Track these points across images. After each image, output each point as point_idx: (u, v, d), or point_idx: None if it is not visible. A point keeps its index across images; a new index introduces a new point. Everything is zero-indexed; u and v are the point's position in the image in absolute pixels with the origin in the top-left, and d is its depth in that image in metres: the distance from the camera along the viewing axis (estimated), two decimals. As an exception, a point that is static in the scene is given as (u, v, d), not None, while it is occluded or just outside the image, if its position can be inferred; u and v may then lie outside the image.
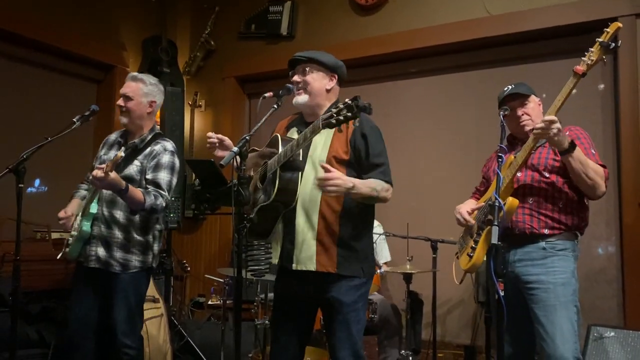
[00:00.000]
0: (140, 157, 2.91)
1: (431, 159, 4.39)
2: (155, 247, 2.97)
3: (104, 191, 2.84)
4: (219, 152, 2.48)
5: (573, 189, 2.46)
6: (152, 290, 3.96)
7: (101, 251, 2.84)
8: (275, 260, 2.40)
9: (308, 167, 2.32)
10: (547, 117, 2.24)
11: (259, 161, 2.46)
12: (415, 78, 4.52)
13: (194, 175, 4.42)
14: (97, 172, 2.56)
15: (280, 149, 2.22)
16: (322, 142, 2.32)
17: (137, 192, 2.75)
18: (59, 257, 2.94)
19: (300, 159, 2.31)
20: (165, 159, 2.91)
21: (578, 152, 2.31)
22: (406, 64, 4.51)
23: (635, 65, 3.53)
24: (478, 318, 3.87)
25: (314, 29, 4.77)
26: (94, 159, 3.10)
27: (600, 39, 2.22)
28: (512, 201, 2.36)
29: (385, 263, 4.03)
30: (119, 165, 2.83)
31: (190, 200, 4.79)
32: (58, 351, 3.44)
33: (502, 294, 2.10)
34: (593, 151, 2.46)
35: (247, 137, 2.18)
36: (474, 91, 4.23)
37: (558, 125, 2.23)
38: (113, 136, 3.08)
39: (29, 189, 4.44)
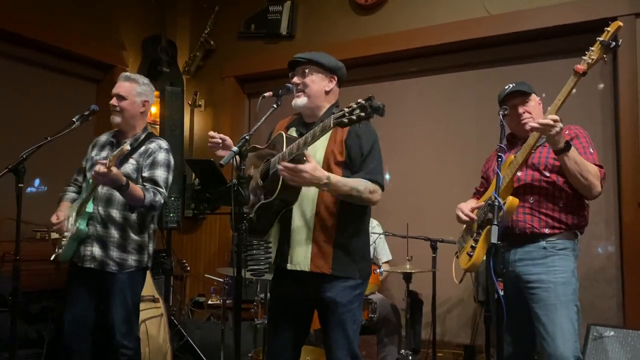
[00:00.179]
0: (135, 155, 2.93)
1: (431, 158, 4.39)
2: (151, 247, 2.99)
3: (100, 190, 2.85)
4: (221, 152, 2.48)
5: (573, 189, 2.46)
6: (151, 290, 3.96)
7: (97, 251, 2.84)
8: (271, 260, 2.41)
9: None
10: (552, 116, 2.23)
11: (256, 161, 2.46)
12: (414, 78, 4.52)
13: (193, 175, 4.43)
14: (100, 168, 2.57)
15: (285, 148, 2.22)
16: (320, 142, 2.32)
17: (137, 188, 2.77)
18: (52, 258, 2.93)
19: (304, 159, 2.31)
20: (161, 156, 2.94)
21: (573, 152, 2.31)
22: (406, 64, 4.51)
23: (635, 65, 3.53)
24: (478, 317, 3.87)
25: (314, 28, 4.77)
26: (84, 161, 3.08)
27: (600, 38, 2.22)
28: (512, 200, 2.36)
29: (387, 262, 4.03)
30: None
31: (190, 200, 4.79)
32: (53, 351, 3.43)
33: (501, 293, 2.11)
34: (591, 150, 2.46)
35: (246, 137, 2.18)
36: (474, 91, 4.23)
37: (560, 125, 2.23)
38: (103, 137, 3.08)
39: (29, 188, 4.44)
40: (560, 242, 2.46)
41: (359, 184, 2.25)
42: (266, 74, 4.96)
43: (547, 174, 2.47)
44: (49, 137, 2.86)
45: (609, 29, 2.22)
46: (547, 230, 2.45)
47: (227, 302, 3.75)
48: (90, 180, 2.86)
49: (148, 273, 4.01)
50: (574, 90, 2.29)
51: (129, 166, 2.89)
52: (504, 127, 2.47)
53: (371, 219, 3.95)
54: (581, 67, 2.23)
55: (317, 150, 2.32)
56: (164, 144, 3.01)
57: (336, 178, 2.20)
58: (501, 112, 2.54)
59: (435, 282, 3.56)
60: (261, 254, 2.30)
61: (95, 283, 2.87)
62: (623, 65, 3.57)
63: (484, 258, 2.44)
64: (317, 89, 2.40)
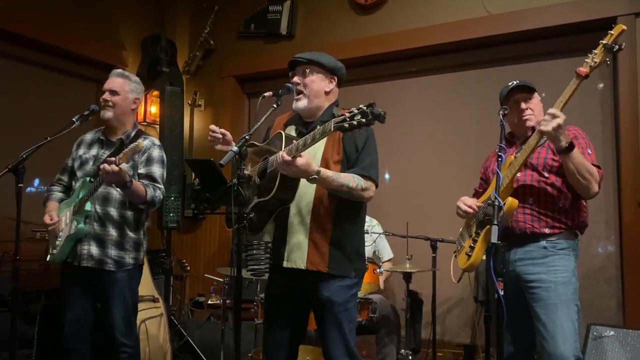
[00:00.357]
0: None
1: (430, 158, 4.39)
2: (145, 244, 3.01)
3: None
4: (220, 147, 2.50)
5: (572, 189, 2.46)
6: (151, 290, 3.96)
7: (94, 249, 2.83)
8: None
9: None
10: (551, 110, 2.23)
11: (254, 158, 2.46)
12: (414, 77, 4.52)
13: (193, 174, 4.43)
14: (111, 167, 2.58)
15: (284, 147, 2.22)
16: (319, 142, 2.32)
17: (139, 185, 2.80)
18: (48, 259, 2.92)
19: None
20: (156, 153, 2.97)
21: (576, 153, 2.30)
22: (406, 64, 4.51)
23: (635, 65, 3.53)
24: (477, 317, 3.87)
25: (314, 28, 4.77)
26: (68, 160, 3.05)
27: (604, 41, 2.19)
28: (511, 201, 2.36)
29: (389, 260, 4.02)
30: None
31: (189, 200, 4.79)
32: (44, 351, 3.44)
33: (501, 293, 2.11)
34: (589, 151, 2.46)
35: (246, 137, 2.18)
36: (474, 90, 4.23)
37: (559, 120, 2.21)
38: (89, 135, 3.06)
39: (29, 188, 4.44)
40: (560, 242, 2.46)
41: (350, 181, 2.26)
42: (266, 74, 4.96)
43: (546, 174, 2.47)
44: (49, 137, 2.87)
45: (612, 32, 2.19)
46: (547, 230, 2.45)
47: (227, 302, 3.75)
48: (88, 179, 2.85)
49: (147, 272, 4.04)
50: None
51: (124, 164, 2.90)
52: (503, 127, 2.47)
53: (371, 218, 4.01)
54: (584, 69, 2.21)
55: (317, 150, 2.33)
56: (156, 140, 3.05)
57: (327, 173, 2.21)
58: (501, 112, 2.53)
59: (435, 281, 3.56)
60: (261, 253, 2.30)
61: (92, 282, 2.87)
62: (623, 65, 3.57)
63: (483, 258, 2.44)
64: (317, 89, 2.41)
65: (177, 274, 4.85)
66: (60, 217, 2.90)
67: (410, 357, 3.46)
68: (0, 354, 3.06)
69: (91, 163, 2.94)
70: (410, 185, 4.44)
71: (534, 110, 2.58)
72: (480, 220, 2.53)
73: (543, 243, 2.46)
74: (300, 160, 2.11)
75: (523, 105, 2.58)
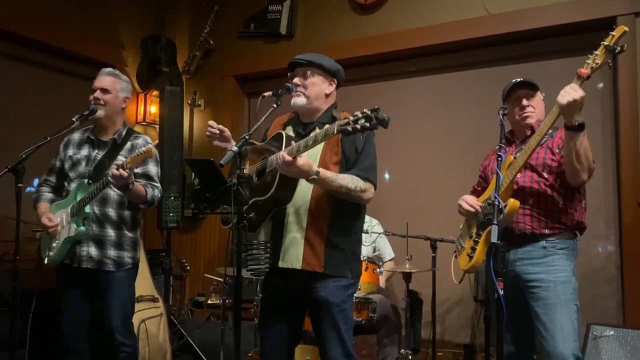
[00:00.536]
0: (123, 152, 2.94)
1: (430, 157, 4.39)
2: (141, 242, 3.03)
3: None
4: (217, 143, 2.50)
5: (571, 189, 2.46)
6: (151, 290, 3.97)
7: (93, 250, 2.84)
8: None
9: None
10: (571, 85, 2.17)
11: (252, 157, 2.47)
12: (414, 77, 4.52)
13: (193, 174, 4.43)
14: (120, 172, 2.58)
15: (284, 147, 2.22)
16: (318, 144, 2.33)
17: (139, 186, 2.81)
18: (46, 262, 2.90)
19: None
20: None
21: (583, 135, 2.26)
22: (405, 63, 4.51)
23: (635, 64, 3.53)
24: (477, 317, 3.87)
25: (313, 28, 4.77)
26: (56, 161, 3.02)
27: (605, 42, 2.15)
28: (513, 203, 2.35)
29: (391, 260, 4.02)
30: (104, 163, 2.85)
31: (189, 200, 4.79)
32: (37, 352, 3.43)
33: (501, 293, 2.10)
34: None
35: (246, 137, 2.18)
36: (473, 90, 4.23)
37: (576, 95, 2.14)
38: (77, 135, 3.02)
39: (28, 188, 4.43)
40: (560, 242, 2.46)
41: (349, 182, 2.26)
42: (266, 74, 4.96)
43: (546, 175, 2.46)
44: (49, 137, 2.87)
45: (614, 33, 2.15)
46: (547, 231, 2.45)
47: (227, 301, 3.75)
48: (86, 181, 2.85)
49: (147, 272, 4.04)
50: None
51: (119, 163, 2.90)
52: (503, 126, 2.47)
53: (371, 218, 4.01)
54: (585, 71, 2.18)
55: (316, 151, 2.33)
56: (148, 139, 3.06)
57: (326, 174, 2.21)
58: (501, 111, 2.53)
59: (435, 281, 3.56)
60: (261, 253, 2.30)
61: (91, 283, 2.87)
62: (623, 65, 3.57)
63: (484, 259, 2.44)
64: (317, 91, 2.42)
65: (177, 273, 4.86)
66: (55, 220, 2.89)
67: (410, 357, 3.46)
68: (0, 354, 3.06)
69: (84, 164, 2.92)
70: (409, 185, 4.44)
71: (535, 109, 2.58)
72: (481, 221, 2.52)
73: (542, 243, 2.46)
74: (300, 161, 2.12)
75: (524, 102, 2.57)
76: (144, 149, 2.64)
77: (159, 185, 2.97)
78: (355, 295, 3.24)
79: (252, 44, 5.07)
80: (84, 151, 2.96)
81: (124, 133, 2.99)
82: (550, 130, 2.43)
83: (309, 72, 2.42)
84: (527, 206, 2.46)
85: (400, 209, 4.34)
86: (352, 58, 4.42)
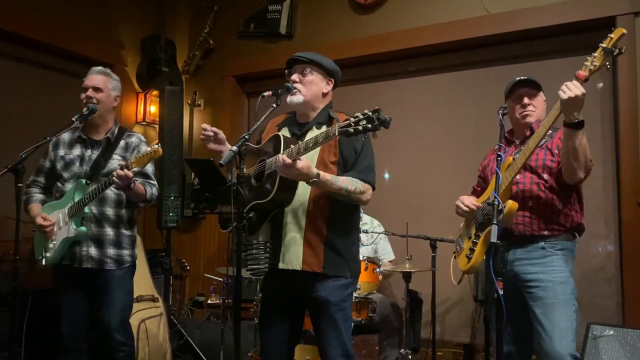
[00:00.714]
0: (118, 151, 2.96)
1: (430, 157, 4.39)
2: (139, 241, 3.05)
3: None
4: (212, 145, 2.51)
5: (570, 190, 2.46)
6: (151, 290, 3.97)
7: (93, 250, 2.85)
8: None
9: None
10: (573, 82, 2.16)
11: (249, 159, 2.46)
12: (414, 77, 4.52)
13: (192, 174, 4.43)
14: (126, 172, 2.61)
15: (282, 150, 2.22)
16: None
17: (139, 185, 2.83)
18: (44, 263, 2.89)
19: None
20: (145, 149, 2.95)
21: (583, 133, 2.25)
22: (405, 63, 4.51)
23: (634, 64, 3.53)
24: (477, 316, 3.87)
25: (313, 28, 4.77)
26: (46, 161, 3.00)
27: (603, 45, 2.13)
28: (511, 204, 2.35)
29: (390, 261, 4.02)
30: (100, 162, 2.86)
31: (189, 200, 4.79)
32: (32, 351, 3.43)
33: (501, 292, 2.10)
34: None
35: (246, 137, 2.18)
36: (473, 90, 4.23)
37: (578, 92, 2.12)
38: (67, 135, 2.99)
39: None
40: (559, 243, 2.46)
41: (349, 184, 2.27)
42: (265, 74, 4.96)
43: (545, 176, 2.46)
44: (48, 136, 2.87)
45: (612, 35, 2.13)
46: (546, 232, 2.46)
47: (227, 301, 3.75)
48: (84, 181, 2.85)
49: (147, 272, 4.05)
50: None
51: (116, 162, 2.91)
52: (503, 126, 2.47)
53: (372, 219, 4.02)
54: (583, 73, 2.16)
55: (316, 152, 2.32)
56: (142, 137, 3.08)
57: (326, 177, 2.22)
58: (500, 111, 2.53)
59: (435, 281, 3.57)
60: (261, 253, 2.30)
61: (91, 283, 2.88)
62: (622, 65, 3.57)
63: (483, 260, 2.44)
64: (316, 89, 2.42)
65: (177, 273, 4.86)
66: (51, 219, 2.88)
67: (410, 357, 3.46)
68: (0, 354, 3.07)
69: (78, 163, 2.92)
70: (409, 184, 4.44)
71: (536, 109, 2.57)
72: (480, 222, 2.52)
73: (541, 244, 2.46)
74: (300, 163, 2.12)
75: (526, 100, 2.57)
76: (149, 149, 2.66)
77: (155, 183, 3.00)
78: (355, 295, 3.25)
79: (251, 43, 5.07)
80: (77, 151, 2.95)
81: (116, 131, 3.00)
82: (550, 131, 2.43)
83: (307, 70, 2.41)
84: (526, 208, 2.46)
85: (400, 209, 4.34)
86: (352, 58, 4.42)
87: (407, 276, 3.48)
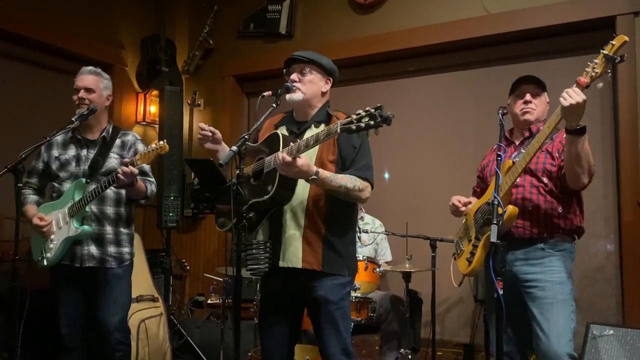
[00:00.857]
0: (114, 149, 2.97)
1: (430, 157, 4.39)
2: (138, 239, 3.06)
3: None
4: (209, 145, 2.52)
5: (570, 194, 2.46)
6: (151, 290, 3.97)
7: (94, 249, 2.85)
8: None
9: None
10: (573, 88, 2.14)
11: (247, 158, 2.46)
12: (413, 77, 4.52)
13: (192, 174, 4.43)
14: (131, 169, 2.63)
15: (282, 148, 2.22)
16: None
17: (140, 182, 2.85)
18: (45, 264, 2.87)
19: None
20: (141, 147, 2.99)
21: (585, 139, 2.25)
22: (405, 63, 4.51)
23: (634, 64, 3.52)
24: (477, 316, 3.87)
25: (313, 27, 4.77)
26: (39, 163, 2.99)
27: (605, 51, 2.09)
28: (512, 210, 2.34)
29: (387, 263, 4.03)
30: (98, 161, 2.87)
31: (189, 200, 4.79)
32: (28, 351, 3.43)
33: (501, 292, 2.10)
34: None
35: (245, 136, 2.18)
36: (473, 90, 4.23)
37: (579, 99, 2.12)
38: (60, 136, 2.96)
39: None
40: (558, 244, 2.46)
41: (348, 182, 2.27)
42: (265, 73, 4.96)
43: (545, 180, 2.46)
44: (48, 136, 2.87)
45: (614, 42, 2.09)
46: (545, 235, 2.46)
47: (227, 301, 3.75)
48: (84, 180, 2.85)
49: (147, 272, 4.05)
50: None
51: (113, 161, 2.93)
52: (503, 126, 2.47)
53: (374, 219, 4.03)
54: (584, 79, 2.14)
55: (314, 150, 2.32)
56: (137, 135, 3.10)
57: (325, 174, 2.22)
58: (500, 111, 2.53)
59: (435, 281, 3.57)
60: (261, 253, 2.30)
61: (91, 282, 2.89)
62: (622, 65, 3.51)
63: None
64: (315, 89, 2.42)
65: (177, 273, 4.86)
66: (47, 219, 2.88)
67: (409, 356, 3.46)
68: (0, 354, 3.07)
69: (74, 163, 2.92)
70: (409, 184, 4.44)
71: (537, 107, 2.57)
72: (480, 225, 2.52)
73: (541, 245, 2.46)
74: (300, 161, 2.12)
75: (528, 97, 2.56)
76: (154, 145, 2.67)
77: (153, 180, 3.04)
78: (355, 294, 3.26)
79: (251, 43, 5.07)
80: (71, 151, 2.95)
81: (111, 130, 3.01)
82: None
83: (307, 69, 2.42)
84: (526, 212, 2.45)
85: (400, 209, 4.34)
86: (352, 58, 4.41)
87: (407, 276, 3.48)
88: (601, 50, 2.10)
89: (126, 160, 2.68)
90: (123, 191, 2.95)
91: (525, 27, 3.87)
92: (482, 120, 4.03)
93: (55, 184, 2.95)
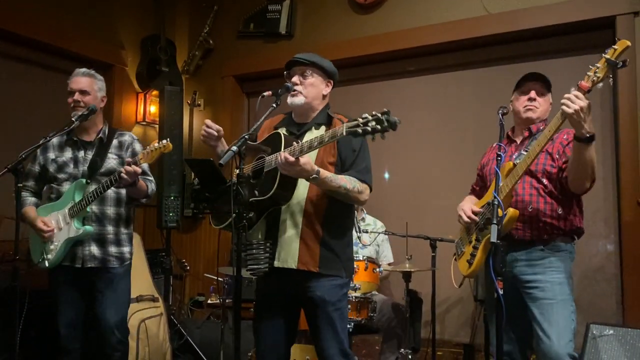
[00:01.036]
0: (113, 150, 2.98)
1: (430, 157, 4.39)
2: (138, 239, 3.06)
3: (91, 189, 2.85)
4: (212, 142, 2.50)
5: (570, 196, 2.46)
6: (151, 290, 3.97)
7: (95, 249, 2.86)
8: None
9: None
10: (574, 92, 2.14)
11: (247, 156, 2.46)
12: (413, 77, 4.52)
13: (192, 174, 4.43)
14: (134, 168, 2.65)
15: (284, 147, 2.22)
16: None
17: (141, 181, 2.87)
18: (47, 265, 2.87)
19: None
20: (139, 147, 3.02)
21: (592, 149, 2.25)
22: (405, 63, 4.51)
23: (634, 64, 3.52)
24: (477, 316, 3.87)
25: (313, 27, 4.77)
26: (35, 165, 2.98)
27: (607, 56, 2.08)
28: (512, 212, 2.35)
29: (389, 264, 4.02)
30: (96, 162, 2.87)
31: (189, 200, 4.79)
32: (27, 352, 3.42)
33: (501, 292, 2.10)
34: None
35: (245, 137, 2.18)
36: (473, 90, 4.23)
37: (582, 103, 2.12)
38: (55, 138, 2.94)
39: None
40: (557, 245, 2.47)
41: (348, 183, 2.28)
42: (265, 73, 4.96)
43: (545, 181, 2.46)
44: (48, 136, 2.87)
45: (616, 47, 2.08)
46: (545, 236, 2.46)
47: (227, 301, 3.75)
48: (84, 181, 2.85)
49: (147, 272, 4.05)
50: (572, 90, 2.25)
51: (112, 161, 2.94)
52: (503, 127, 2.47)
53: (376, 220, 4.03)
54: (586, 84, 2.13)
55: (314, 151, 2.32)
56: (133, 135, 3.12)
57: (325, 174, 2.23)
58: (500, 111, 2.53)
59: (435, 281, 3.57)
60: (261, 253, 2.30)
61: (92, 282, 2.89)
62: (622, 64, 3.56)
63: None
64: (316, 91, 2.43)
65: (177, 273, 4.86)
66: (51, 225, 2.88)
67: (410, 356, 3.46)
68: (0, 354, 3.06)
69: (72, 165, 2.92)
70: (409, 184, 4.44)
71: (540, 106, 2.57)
72: (480, 227, 2.52)
73: (541, 246, 2.46)
74: (302, 159, 2.13)
75: (533, 95, 2.56)
76: (157, 144, 2.67)
77: (152, 179, 3.05)
78: (355, 295, 3.26)
79: (251, 43, 5.07)
80: (68, 153, 2.95)
81: (107, 131, 3.01)
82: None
83: (308, 72, 2.42)
84: (526, 213, 2.45)
85: (400, 209, 4.35)
86: (352, 58, 4.41)
87: (407, 276, 3.48)
88: (603, 55, 2.09)
89: (128, 159, 2.69)
90: (123, 191, 2.96)
91: (525, 27, 3.86)
92: (482, 120, 4.03)
93: (54, 185, 2.95)
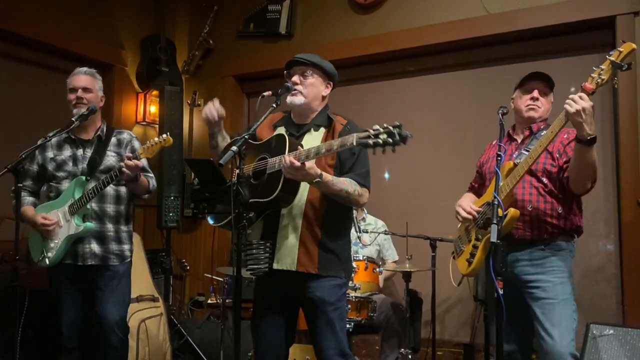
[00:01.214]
0: (111, 148, 2.98)
1: (430, 157, 4.39)
2: (138, 239, 3.07)
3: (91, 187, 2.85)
4: (210, 126, 2.48)
5: (570, 195, 2.46)
6: (151, 290, 3.97)
7: (95, 247, 2.86)
8: None
9: None
10: (577, 94, 2.13)
11: (248, 155, 2.46)
12: (413, 77, 4.51)
13: (192, 174, 4.43)
14: (135, 162, 2.66)
15: (288, 150, 2.23)
16: (314, 144, 2.33)
17: (142, 177, 2.89)
18: (48, 263, 2.86)
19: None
20: (138, 144, 3.02)
21: (594, 151, 2.24)
22: (405, 63, 4.50)
23: (635, 64, 3.52)
24: (477, 316, 3.87)
25: (313, 27, 4.76)
26: (33, 165, 2.97)
27: (612, 58, 2.06)
28: (513, 212, 2.35)
29: (394, 262, 4.02)
30: (95, 160, 2.88)
31: (189, 200, 4.79)
32: (26, 352, 3.42)
33: (501, 292, 2.10)
34: None
35: (245, 137, 2.18)
36: (473, 90, 4.23)
37: (585, 104, 2.10)
38: (54, 138, 2.94)
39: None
40: (558, 244, 2.47)
41: (349, 186, 2.29)
42: (265, 73, 4.96)
43: (545, 181, 2.46)
44: (48, 136, 2.87)
45: (621, 49, 2.06)
46: (545, 236, 2.46)
47: (227, 301, 3.75)
48: (84, 178, 2.86)
49: (147, 272, 4.05)
50: (572, 89, 2.26)
51: (111, 159, 2.95)
52: (503, 126, 2.47)
53: (377, 219, 4.03)
54: (590, 86, 2.12)
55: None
56: (132, 133, 3.13)
57: (327, 177, 2.24)
58: (500, 111, 2.53)
59: (435, 280, 3.57)
60: (261, 253, 2.30)
61: (92, 280, 2.89)
62: (622, 64, 3.56)
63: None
64: (316, 92, 2.44)
65: (177, 273, 4.86)
66: (52, 218, 2.88)
67: (410, 356, 3.47)
68: (0, 354, 3.06)
69: (71, 163, 2.92)
70: (409, 184, 4.44)
71: (542, 106, 2.56)
72: (480, 226, 2.52)
73: (541, 246, 2.47)
74: (308, 164, 2.14)
75: (536, 94, 2.56)
76: (157, 139, 2.69)
77: (152, 175, 3.06)
78: (355, 295, 3.26)
79: (251, 43, 5.07)
80: (67, 152, 2.96)
81: (105, 129, 3.02)
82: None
83: (308, 72, 2.42)
84: (526, 212, 2.45)
85: (400, 209, 4.35)
86: (352, 58, 4.41)
87: (407, 276, 3.48)
88: (607, 57, 2.08)
89: (128, 154, 2.70)
90: (123, 189, 2.97)
91: (525, 27, 3.86)
92: (482, 120, 4.03)
93: (53, 184, 2.94)
